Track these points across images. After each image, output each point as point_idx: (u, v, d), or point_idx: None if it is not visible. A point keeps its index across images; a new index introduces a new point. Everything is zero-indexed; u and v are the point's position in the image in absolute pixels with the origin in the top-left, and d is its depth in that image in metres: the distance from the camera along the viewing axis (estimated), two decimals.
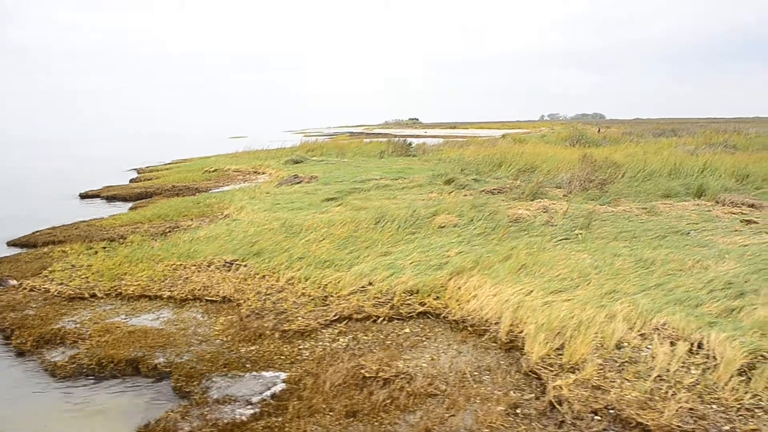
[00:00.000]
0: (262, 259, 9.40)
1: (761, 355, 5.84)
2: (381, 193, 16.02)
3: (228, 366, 6.10)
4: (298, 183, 19.21)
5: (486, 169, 21.45)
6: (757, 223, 12.70)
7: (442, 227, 11.09)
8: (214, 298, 8.10)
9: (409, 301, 7.61)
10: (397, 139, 34.61)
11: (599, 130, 54.33)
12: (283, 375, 5.88)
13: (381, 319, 7.27)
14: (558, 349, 6.01)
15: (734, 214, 13.81)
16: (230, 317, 7.43)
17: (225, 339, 6.78)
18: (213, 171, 26.35)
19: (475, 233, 10.68)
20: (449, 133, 73.77)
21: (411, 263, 8.78)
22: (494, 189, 16.40)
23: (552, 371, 5.66)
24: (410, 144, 31.94)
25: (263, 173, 25.31)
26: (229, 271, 9.08)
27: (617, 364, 5.75)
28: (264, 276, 8.75)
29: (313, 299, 7.78)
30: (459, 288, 7.81)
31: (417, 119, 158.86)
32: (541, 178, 17.89)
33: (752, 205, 14.96)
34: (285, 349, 6.48)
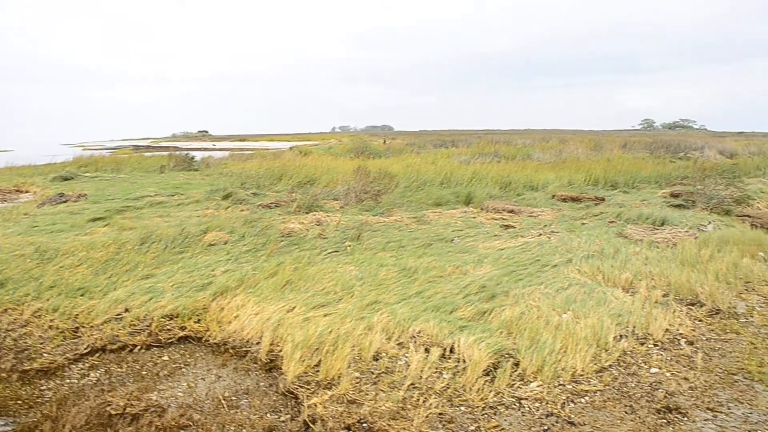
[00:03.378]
0: (6, 291, 8.45)
1: (507, 354, 6.32)
2: (153, 211, 15.27)
3: None
4: (64, 202, 17.73)
5: (267, 183, 21.32)
6: (515, 227, 13.85)
7: (212, 245, 10.79)
8: None
9: (168, 327, 7.26)
10: (180, 152, 33.40)
11: (385, 141, 56.60)
12: (17, 423, 5.33)
13: (138, 347, 6.86)
14: (315, 365, 6.04)
15: (496, 219, 14.94)
16: None
17: None
18: None
19: (245, 250, 10.51)
20: (238, 145, 72.58)
21: (173, 285, 8.41)
22: (272, 203, 16.33)
23: (308, 389, 5.67)
24: (193, 158, 30.93)
25: (27, 192, 23.06)
26: None
27: (374, 376, 5.90)
28: (6, 310, 7.87)
29: (62, 332, 7.13)
30: (222, 309, 7.60)
31: (207, 131, 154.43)
32: (319, 190, 18.13)
33: (512, 211, 16.31)
34: (24, 392, 5.87)
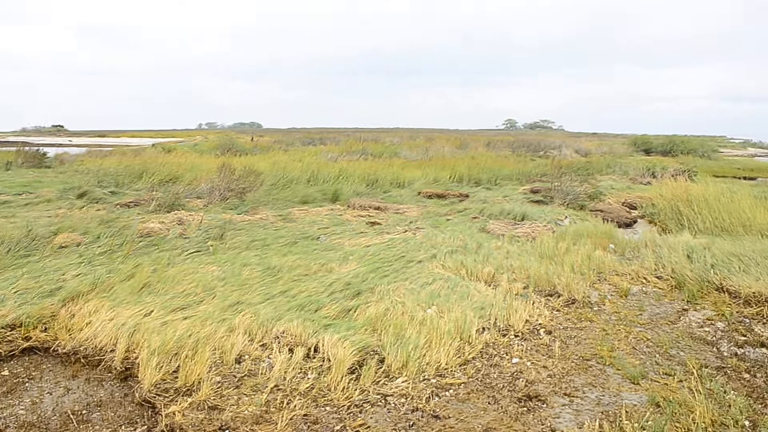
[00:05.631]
0: None
1: (372, 351, 6.29)
2: None
3: None
4: None
5: (126, 181, 20.28)
6: (381, 224, 13.95)
7: (64, 247, 10.07)
8: None
9: (10, 338, 6.60)
10: (30, 148, 31.16)
11: (252, 139, 55.69)
12: None
13: None
14: (174, 372, 5.73)
15: (362, 217, 15.00)
16: None
17: None
18: None
19: (99, 252, 9.87)
20: (97, 141, 68.79)
21: (16, 292, 7.70)
22: (131, 202, 15.55)
23: (166, 397, 5.37)
24: (45, 154, 28.95)
25: None
26: None
27: (236, 379, 5.71)
28: None
29: None
30: (72, 315, 7.05)
31: (62, 126, 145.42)
32: (182, 188, 17.51)
33: (378, 208, 16.46)
34: None
